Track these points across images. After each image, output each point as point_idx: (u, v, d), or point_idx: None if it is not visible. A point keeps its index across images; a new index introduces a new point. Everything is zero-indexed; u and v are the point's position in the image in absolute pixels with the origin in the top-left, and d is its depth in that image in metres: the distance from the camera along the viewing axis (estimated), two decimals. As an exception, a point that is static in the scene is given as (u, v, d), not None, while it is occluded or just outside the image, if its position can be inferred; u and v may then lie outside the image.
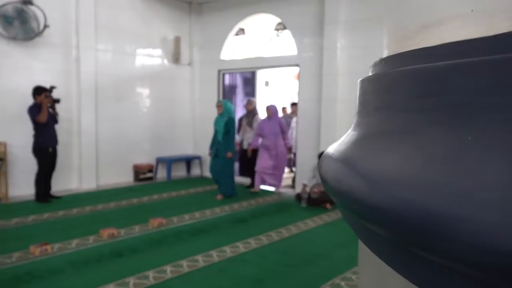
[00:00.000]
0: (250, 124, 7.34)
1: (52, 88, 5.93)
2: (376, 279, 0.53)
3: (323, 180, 0.53)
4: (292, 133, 8.56)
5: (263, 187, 7.36)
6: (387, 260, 0.44)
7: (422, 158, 0.36)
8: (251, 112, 7.44)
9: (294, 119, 8.33)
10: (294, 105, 8.84)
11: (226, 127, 6.32)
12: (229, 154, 6.36)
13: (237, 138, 7.49)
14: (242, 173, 8.05)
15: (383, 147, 0.41)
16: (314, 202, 6.13)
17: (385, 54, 0.57)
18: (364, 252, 0.57)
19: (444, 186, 0.33)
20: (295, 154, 7.98)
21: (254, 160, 7.18)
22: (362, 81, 0.55)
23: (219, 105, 6.47)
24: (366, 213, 0.40)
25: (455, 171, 0.33)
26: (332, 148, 0.57)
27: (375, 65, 0.54)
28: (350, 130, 0.58)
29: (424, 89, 0.37)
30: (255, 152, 7.14)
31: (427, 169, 0.35)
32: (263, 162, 6.95)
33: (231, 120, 6.39)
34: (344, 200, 0.44)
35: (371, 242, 0.46)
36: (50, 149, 5.97)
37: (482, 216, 0.30)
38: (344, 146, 0.51)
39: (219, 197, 6.53)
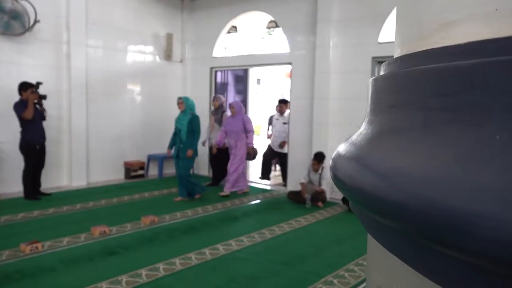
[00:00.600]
0: (219, 121, 7.12)
1: (38, 84, 5.79)
2: (387, 275, 0.53)
3: (338, 179, 0.53)
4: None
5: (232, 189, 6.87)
6: (403, 257, 0.44)
7: (445, 156, 0.36)
8: (219, 109, 7.20)
9: (275, 116, 8.01)
10: (283, 102, 8.78)
11: (189, 126, 6.01)
12: (189, 152, 6.01)
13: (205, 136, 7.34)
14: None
15: (403, 146, 0.41)
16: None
17: (396, 53, 0.57)
18: (374, 248, 0.57)
19: (469, 184, 0.33)
20: (279, 154, 7.81)
21: (222, 158, 7.00)
22: (376, 80, 0.55)
23: (180, 102, 6.12)
24: (387, 212, 0.40)
25: (478, 169, 0.33)
26: (344, 148, 0.56)
27: (389, 63, 0.54)
28: (362, 128, 0.58)
29: (447, 88, 0.37)
30: (222, 150, 6.92)
31: (451, 167, 0.35)
32: (232, 167, 6.71)
33: (195, 118, 6.08)
34: (363, 199, 0.44)
35: (388, 240, 0.46)
36: (38, 146, 5.88)
37: (507, 214, 0.30)
38: (359, 145, 0.51)
39: (179, 198, 6.18)
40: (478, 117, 0.34)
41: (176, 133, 6.16)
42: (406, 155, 0.41)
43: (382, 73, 0.57)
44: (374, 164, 0.44)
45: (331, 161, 0.62)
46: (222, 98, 7.38)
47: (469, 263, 0.36)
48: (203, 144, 7.19)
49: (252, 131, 6.73)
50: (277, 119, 7.81)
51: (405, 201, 0.38)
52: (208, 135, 7.35)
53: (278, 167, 9.51)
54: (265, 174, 8.03)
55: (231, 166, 6.72)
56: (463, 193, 0.33)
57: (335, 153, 0.60)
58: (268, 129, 8.79)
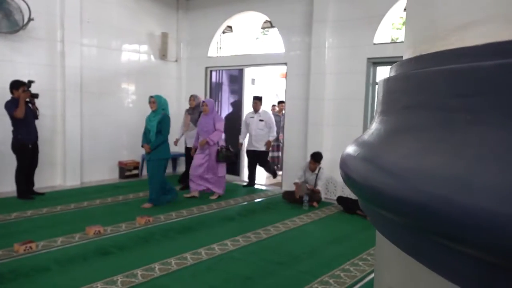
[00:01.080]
0: (195, 121, 6.80)
1: (30, 82, 5.72)
2: (399, 275, 0.54)
3: (350, 179, 0.53)
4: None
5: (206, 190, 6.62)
6: (420, 257, 0.44)
7: (467, 157, 0.36)
8: (196, 109, 6.92)
9: (250, 114, 7.59)
10: (281, 103, 8.85)
11: (158, 126, 5.66)
12: (146, 147, 5.66)
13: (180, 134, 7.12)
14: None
15: (423, 146, 0.41)
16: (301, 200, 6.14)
17: (407, 54, 0.57)
18: (385, 248, 0.57)
19: (492, 186, 0.34)
20: (256, 152, 7.39)
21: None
22: (388, 80, 0.55)
23: (152, 101, 5.74)
24: (407, 212, 0.40)
25: (502, 170, 0.33)
26: (354, 148, 0.56)
27: (402, 64, 0.54)
28: (372, 128, 0.58)
29: (468, 89, 0.37)
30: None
31: (473, 168, 0.35)
32: (194, 162, 6.39)
33: (165, 118, 5.71)
34: (379, 199, 0.44)
35: (403, 240, 0.47)
36: (30, 145, 5.82)
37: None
38: (372, 145, 0.51)
39: (146, 205, 5.73)
40: (500, 118, 0.35)
41: (146, 133, 5.81)
42: (426, 155, 0.41)
43: (393, 74, 0.57)
44: (392, 165, 0.44)
45: (340, 161, 0.62)
46: (200, 97, 7.16)
47: (493, 263, 0.36)
48: (175, 143, 6.95)
49: (219, 130, 6.32)
50: (251, 117, 7.35)
51: (427, 202, 0.38)
52: (181, 134, 7.12)
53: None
54: (251, 180, 7.60)
55: (209, 166, 6.36)
56: (486, 194, 0.33)
57: (345, 153, 0.60)
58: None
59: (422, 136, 0.44)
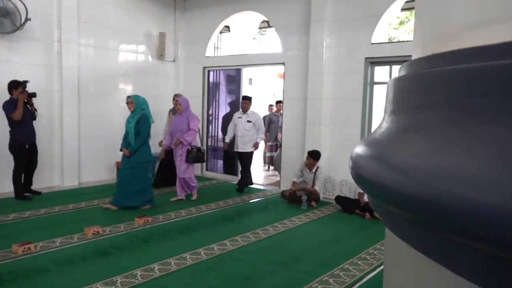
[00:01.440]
0: None
1: (25, 82, 5.66)
2: (412, 275, 0.54)
3: (361, 178, 0.53)
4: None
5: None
6: (435, 255, 0.44)
7: (486, 156, 0.36)
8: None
9: (237, 114, 7.30)
10: (279, 102, 8.84)
11: (136, 127, 5.39)
12: (125, 151, 5.44)
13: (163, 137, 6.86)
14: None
15: (437, 145, 0.42)
16: (300, 199, 6.15)
17: (416, 53, 0.57)
18: (396, 248, 0.57)
19: (505, 183, 0.34)
20: (241, 154, 7.12)
21: (171, 161, 6.42)
22: (398, 80, 0.56)
23: (129, 102, 5.49)
24: (419, 209, 0.40)
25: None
26: (365, 148, 0.57)
27: (412, 64, 0.54)
28: (382, 128, 0.58)
29: (486, 88, 0.38)
30: (169, 152, 6.40)
31: (493, 167, 0.35)
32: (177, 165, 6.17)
33: (143, 119, 5.43)
34: (394, 198, 0.44)
35: (417, 239, 0.47)
36: (27, 145, 5.80)
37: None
38: (384, 144, 0.51)
39: (109, 206, 5.51)
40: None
41: (125, 136, 5.57)
42: (439, 154, 0.41)
43: (403, 73, 0.58)
44: (405, 164, 0.44)
45: (350, 162, 0.62)
46: (184, 96, 6.83)
47: (505, 258, 0.36)
48: (160, 144, 6.79)
49: (193, 130, 6.03)
50: (239, 117, 7.06)
51: (439, 200, 0.39)
52: (165, 135, 6.88)
53: (271, 167, 9.51)
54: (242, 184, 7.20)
55: (179, 170, 6.10)
56: (497, 192, 0.33)
57: (355, 153, 0.60)
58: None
59: (434, 135, 0.44)
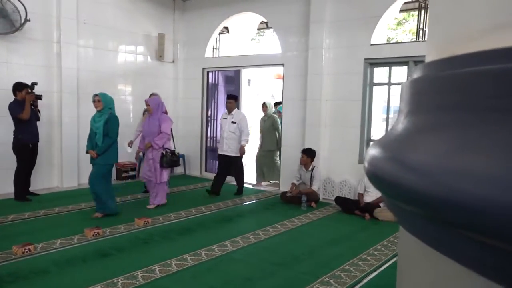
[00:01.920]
0: None
1: (33, 84, 5.81)
2: (431, 275, 0.54)
3: (379, 178, 0.53)
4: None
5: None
6: (458, 257, 0.45)
7: (504, 156, 0.36)
8: None
9: (223, 115, 6.91)
10: (278, 104, 8.79)
11: (105, 128, 5.07)
12: (91, 153, 5.10)
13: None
14: None
15: (457, 145, 0.42)
16: (299, 200, 6.15)
17: (432, 55, 0.58)
18: (414, 248, 0.58)
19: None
20: (226, 158, 6.70)
21: None
22: (417, 81, 0.56)
23: (97, 100, 5.10)
24: (442, 210, 0.41)
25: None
26: (381, 149, 0.57)
27: (431, 65, 0.54)
28: (399, 129, 0.58)
29: (505, 89, 0.38)
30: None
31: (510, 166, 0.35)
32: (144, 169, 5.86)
33: (112, 119, 5.12)
34: (413, 198, 0.44)
35: (439, 239, 0.47)
36: (30, 145, 5.85)
37: None
38: (402, 145, 0.52)
39: (97, 215, 5.18)
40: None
41: (91, 137, 5.24)
42: (461, 154, 0.41)
43: (419, 75, 0.58)
44: (427, 164, 0.44)
45: (366, 163, 0.62)
46: (159, 96, 6.51)
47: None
48: (129, 145, 6.44)
49: (165, 133, 5.69)
50: (224, 118, 6.72)
51: (463, 201, 0.39)
52: (136, 135, 6.53)
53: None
54: (216, 186, 6.71)
55: (151, 172, 5.75)
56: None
57: (371, 154, 0.60)
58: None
59: (455, 136, 0.44)
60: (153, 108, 5.71)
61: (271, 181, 8.02)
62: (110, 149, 5.15)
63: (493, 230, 0.38)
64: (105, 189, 5.15)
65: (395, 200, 0.51)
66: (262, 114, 8.17)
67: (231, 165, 6.77)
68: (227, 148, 6.61)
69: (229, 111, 6.69)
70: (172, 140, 6.14)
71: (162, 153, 5.67)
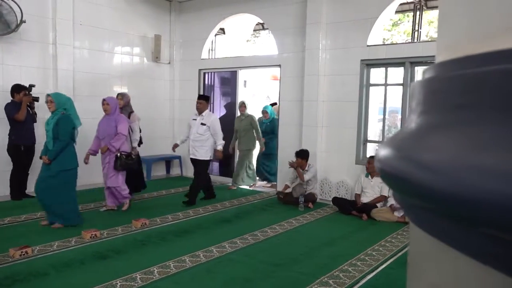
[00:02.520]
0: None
1: (31, 86, 5.83)
2: (447, 274, 0.54)
3: (395, 178, 0.54)
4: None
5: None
6: (475, 254, 0.45)
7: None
8: (126, 109, 6.04)
9: (193, 116, 6.36)
10: (273, 105, 8.79)
11: (55, 130, 4.66)
12: (44, 159, 4.70)
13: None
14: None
15: (476, 144, 0.42)
16: (297, 201, 6.15)
17: (445, 54, 0.58)
18: (429, 246, 0.58)
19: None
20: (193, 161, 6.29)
21: None
22: (432, 80, 0.56)
23: (49, 100, 4.75)
24: (461, 208, 0.41)
25: None
26: (394, 148, 0.57)
27: (447, 64, 0.55)
28: (411, 128, 0.59)
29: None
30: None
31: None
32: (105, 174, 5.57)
33: (63, 120, 4.71)
34: (431, 197, 0.45)
35: (456, 238, 0.48)
36: (22, 147, 5.87)
37: None
38: (418, 144, 0.52)
39: (45, 223, 4.83)
40: None
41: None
42: (480, 152, 0.42)
43: (432, 74, 0.58)
44: (445, 162, 0.45)
45: (379, 164, 0.62)
46: (128, 95, 6.24)
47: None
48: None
49: (121, 134, 5.39)
50: (194, 119, 6.26)
51: (482, 198, 0.40)
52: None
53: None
54: (209, 192, 6.54)
55: (107, 178, 5.52)
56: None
57: (384, 153, 0.60)
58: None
59: (473, 134, 0.45)
60: (112, 108, 5.44)
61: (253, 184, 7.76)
62: (64, 154, 4.71)
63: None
64: (64, 199, 4.74)
65: (413, 198, 0.52)
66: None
67: (195, 168, 6.33)
68: (193, 151, 6.18)
69: (199, 112, 6.21)
70: (130, 141, 5.82)
71: (117, 155, 5.41)
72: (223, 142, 6.24)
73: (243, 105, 7.57)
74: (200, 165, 6.20)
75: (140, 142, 6.20)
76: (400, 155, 0.54)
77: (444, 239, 0.51)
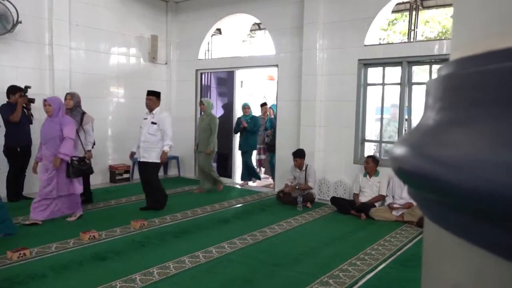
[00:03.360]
0: (78, 125, 5.42)
1: (27, 87, 5.80)
2: (467, 271, 0.54)
3: (414, 175, 0.53)
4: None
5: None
6: (496, 250, 0.45)
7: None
8: (76, 110, 5.59)
9: (144, 115, 5.84)
10: (264, 105, 8.69)
11: None
12: None
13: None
14: None
15: (502, 140, 0.42)
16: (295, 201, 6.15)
17: (462, 51, 0.58)
18: (447, 243, 0.58)
19: None
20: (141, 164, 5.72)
21: None
22: (451, 76, 0.56)
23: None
24: (489, 205, 0.41)
25: None
26: (412, 146, 0.56)
27: (466, 60, 0.54)
28: (428, 125, 0.58)
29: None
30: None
31: None
32: (40, 178, 4.98)
33: None
34: (455, 194, 0.45)
35: (470, 231, 0.47)
36: (18, 149, 5.85)
37: None
38: (437, 141, 0.52)
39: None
40: None
41: None
42: (507, 149, 0.42)
43: (451, 71, 0.58)
44: (469, 158, 0.44)
45: (396, 162, 0.61)
46: (79, 95, 5.75)
47: None
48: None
49: (68, 138, 4.88)
50: (145, 118, 5.75)
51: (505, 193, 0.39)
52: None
53: (262, 169, 9.34)
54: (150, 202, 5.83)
55: (58, 183, 4.96)
56: None
57: (400, 151, 0.60)
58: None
59: (499, 130, 0.44)
60: (55, 109, 4.94)
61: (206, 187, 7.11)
62: None
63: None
64: None
65: (435, 195, 0.51)
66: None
67: (146, 173, 5.70)
68: (144, 154, 5.56)
69: (150, 109, 5.66)
70: (81, 144, 5.39)
71: (68, 162, 4.93)
72: (172, 143, 5.64)
73: (201, 103, 7.06)
74: (150, 170, 5.61)
75: (93, 144, 5.84)
76: (422, 152, 0.53)
77: (466, 236, 0.51)
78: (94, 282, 3.38)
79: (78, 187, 5.13)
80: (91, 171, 5.36)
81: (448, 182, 0.46)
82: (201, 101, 7.12)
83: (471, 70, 0.51)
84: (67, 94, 5.69)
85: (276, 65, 7.30)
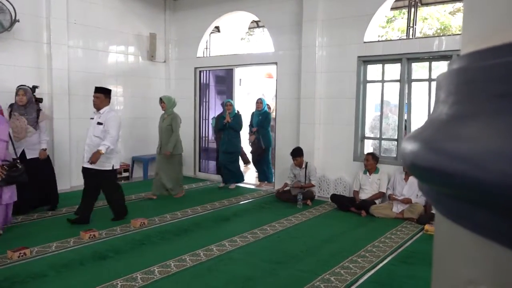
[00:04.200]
0: (34, 123, 5.16)
1: (35, 87, 5.70)
2: (483, 268, 0.53)
3: (433, 170, 0.52)
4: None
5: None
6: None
7: None
8: (30, 106, 5.21)
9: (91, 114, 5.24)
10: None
11: None
12: None
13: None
14: None
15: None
16: (295, 199, 6.14)
17: (475, 44, 0.57)
18: (461, 239, 0.57)
19: None
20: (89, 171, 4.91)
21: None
22: (466, 69, 0.55)
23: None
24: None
25: None
26: (425, 141, 0.56)
27: (481, 53, 0.53)
28: (443, 120, 0.57)
29: None
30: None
31: None
32: None
33: None
34: (475, 188, 0.44)
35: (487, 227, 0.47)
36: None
37: None
38: (454, 135, 0.51)
39: None
40: None
41: None
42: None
43: (464, 64, 0.57)
44: (490, 152, 0.43)
45: (409, 158, 0.60)
46: (30, 90, 5.31)
47: None
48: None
49: (0, 139, 4.26)
50: (91, 118, 5.14)
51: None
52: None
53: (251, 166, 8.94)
54: (83, 211, 5.04)
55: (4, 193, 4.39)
56: None
57: (414, 147, 0.59)
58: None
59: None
60: None
61: (172, 193, 6.50)
62: None
63: None
64: None
65: (452, 190, 0.50)
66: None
67: (98, 182, 4.99)
68: (88, 158, 4.85)
69: (97, 108, 5.04)
70: (13, 146, 4.76)
71: None
72: (111, 146, 4.85)
73: (161, 101, 6.49)
74: (104, 179, 4.99)
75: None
76: (436, 147, 0.52)
77: (482, 231, 0.50)
78: (95, 281, 3.38)
79: (9, 197, 4.43)
80: (25, 178, 4.49)
81: (466, 175, 0.45)
82: (160, 99, 6.47)
83: (488, 63, 0.50)
84: (20, 89, 5.17)
85: (275, 63, 7.28)
